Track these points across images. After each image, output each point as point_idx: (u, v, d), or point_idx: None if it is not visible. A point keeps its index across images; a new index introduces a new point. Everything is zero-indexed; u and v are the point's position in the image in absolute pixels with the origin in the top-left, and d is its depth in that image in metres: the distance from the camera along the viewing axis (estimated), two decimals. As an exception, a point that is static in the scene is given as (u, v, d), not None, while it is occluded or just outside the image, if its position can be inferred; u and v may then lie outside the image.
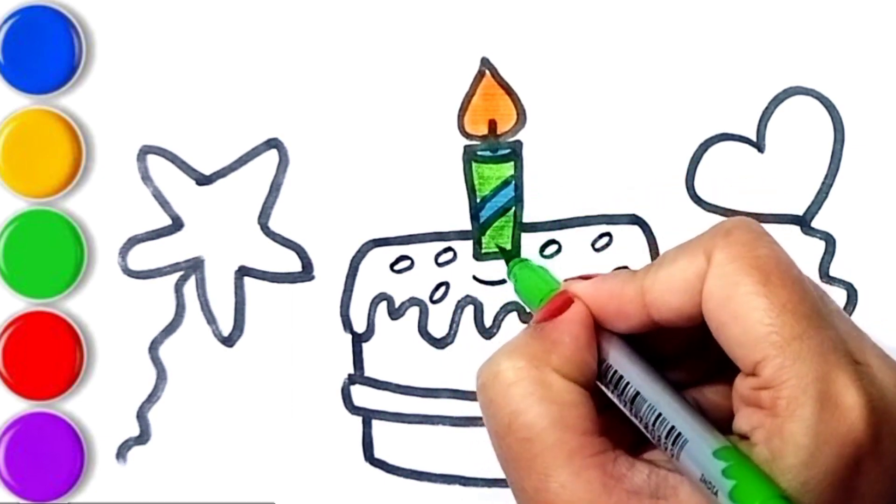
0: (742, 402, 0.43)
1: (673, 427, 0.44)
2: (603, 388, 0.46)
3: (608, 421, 0.46)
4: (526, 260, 0.49)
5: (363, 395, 0.55)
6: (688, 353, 0.47)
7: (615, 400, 0.46)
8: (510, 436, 0.44)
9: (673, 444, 0.43)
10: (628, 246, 0.55)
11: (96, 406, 0.54)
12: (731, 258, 0.43)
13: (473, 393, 0.55)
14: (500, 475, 0.55)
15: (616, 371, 0.46)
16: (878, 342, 0.55)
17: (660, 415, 0.44)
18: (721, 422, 0.43)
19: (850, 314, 0.55)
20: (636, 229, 0.55)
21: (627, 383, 0.45)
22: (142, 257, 0.54)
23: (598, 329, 0.46)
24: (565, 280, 0.48)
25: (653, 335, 0.47)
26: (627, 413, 0.45)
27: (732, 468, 0.41)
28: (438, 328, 0.55)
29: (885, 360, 0.44)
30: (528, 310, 0.51)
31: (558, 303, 0.47)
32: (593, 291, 0.46)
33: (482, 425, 0.55)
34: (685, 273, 0.44)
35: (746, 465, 0.41)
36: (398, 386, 0.55)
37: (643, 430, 0.44)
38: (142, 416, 0.54)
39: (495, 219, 0.55)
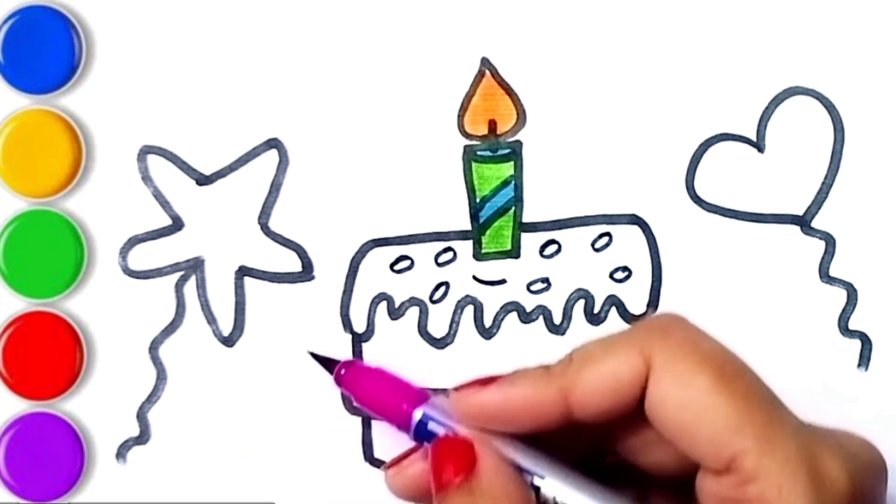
0: (721, 502, 0.42)
1: None
2: None
3: None
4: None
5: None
6: (590, 451, 0.46)
7: None
8: None
9: None
10: (628, 246, 0.55)
11: (96, 406, 0.54)
12: (677, 358, 0.42)
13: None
14: (500, 475, 0.55)
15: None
16: (878, 341, 0.55)
17: None
18: None
19: (851, 314, 0.55)
20: (636, 229, 0.55)
21: None
22: (142, 257, 0.54)
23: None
24: (455, 389, 0.45)
25: (558, 437, 0.45)
26: None
27: None
28: (438, 328, 0.55)
29: (811, 424, 0.44)
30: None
31: (461, 449, 0.44)
32: (504, 400, 0.44)
33: (482, 425, 0.55)
34: (616, 373, 0.43)
35: None
36: (398, 386, 0.55)
37: None
38: (142, 416, 0.54)
39: (495, 219, 0.55)
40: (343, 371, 0.50)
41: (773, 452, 0.41)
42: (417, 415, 0.47)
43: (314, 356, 0.52)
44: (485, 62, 0.55)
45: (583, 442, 0.46)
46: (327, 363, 0.50)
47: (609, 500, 0.44)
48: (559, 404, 0.43)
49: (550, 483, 0.44)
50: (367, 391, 0.49)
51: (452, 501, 0.44)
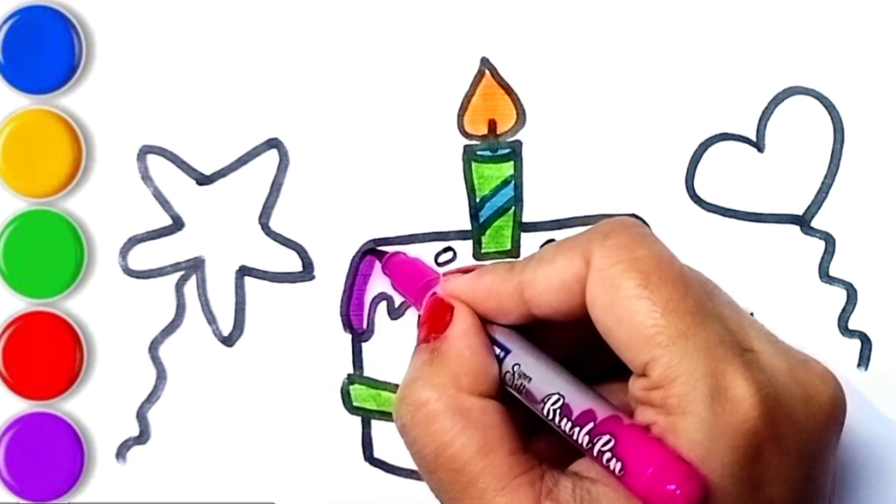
0: (637, 402, 0.44)
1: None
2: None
3: (527, 426, 0.46)
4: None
5: (363, 395, 0.55)
6: (586, 348, 0.47)
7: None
8: (439, 469, 0.45)
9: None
10: (628, 246, 0.55)
11: (96, 406, 0.54)
12: (610, 262, 0.44)
13: (473, 393, 0.55)
14: (500, 475, 0.55)
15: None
16: (878, 342, 0.55)
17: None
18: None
19: (850, 314, 0.55)
20: (636, 229, 0.55)
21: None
22: (142, 257, 0.54)
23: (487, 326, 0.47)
24: (444, 274, 0.49)
25: (549, 332, 0.47)
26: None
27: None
28: (438, 328, 0.55)
29: (775, 346, 0.45)
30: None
31: (440, 313, 0.47)
32: (471, 287, 0.47)
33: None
34: (563, 275, 0.45)
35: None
36: (398, 386, 0.55)
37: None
38: (142, 416, 0.54)
39: (495, 219, 0.55)
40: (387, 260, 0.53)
41: (677, 365, 0.42)
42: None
43: (370, 251, 0.54)
44: (485, 62, 0.55)
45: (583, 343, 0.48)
46: (378, 254, 0.54)
47: (567, 384, 0.45)
48: (517, 299, 0.46)
49: (515, 355, 0.46)
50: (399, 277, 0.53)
51: (420, 355, 0.47)
